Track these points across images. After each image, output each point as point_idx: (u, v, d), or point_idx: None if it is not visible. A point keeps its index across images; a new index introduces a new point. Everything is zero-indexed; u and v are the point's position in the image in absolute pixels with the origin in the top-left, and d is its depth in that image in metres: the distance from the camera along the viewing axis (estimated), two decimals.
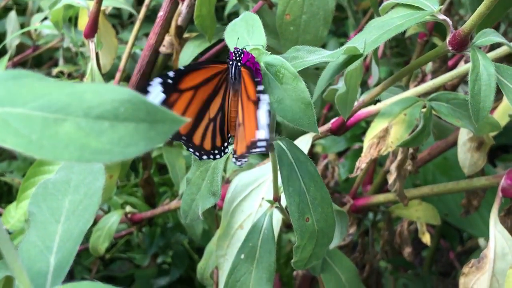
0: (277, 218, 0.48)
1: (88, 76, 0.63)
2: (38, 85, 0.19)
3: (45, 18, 0.92)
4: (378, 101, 0.55)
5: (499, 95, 0.41)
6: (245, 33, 0.38)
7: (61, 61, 1.03)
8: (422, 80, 0.70)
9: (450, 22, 0.40)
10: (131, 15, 1.21)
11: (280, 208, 0.45)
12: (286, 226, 0.58)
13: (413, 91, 0.54)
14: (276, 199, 0.44)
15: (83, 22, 0.69)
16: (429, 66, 0.76)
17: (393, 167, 0.59)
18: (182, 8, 0.68)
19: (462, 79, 0.71)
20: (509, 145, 1.09)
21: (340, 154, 0.99)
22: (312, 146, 0.60)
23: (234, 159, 0.35)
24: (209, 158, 0.37)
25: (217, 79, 0.37)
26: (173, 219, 0.88)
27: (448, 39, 0.41)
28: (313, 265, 0.43)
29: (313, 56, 0.37)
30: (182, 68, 0.35)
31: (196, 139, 0.37)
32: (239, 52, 0.35)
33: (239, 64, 0.35)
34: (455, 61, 0.75)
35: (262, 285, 0.43)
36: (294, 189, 0.37)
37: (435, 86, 0.53)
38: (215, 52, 0.76)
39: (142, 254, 0.89)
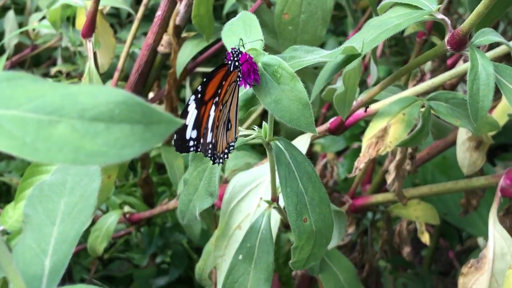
0: (275, 218, 0.48)
1: (86, 76, 0.63)
2: (32, 87, 0.19)
3: (43, 18, 0.91)
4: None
5: (498, 94, 0.41)
6: (243, 33, 0.38)
7: (59, 61, 1.03)
8: (421, 79, 0.70)
9: (449, 22, 0.40)
10: (129, 15, 1.21)
11: (278, 209, 0.44)
12: (285, 226, 0.58)
13: (411, 90, 0.54)
14: (274, 199, 0.44)
15: (81, 21, 0.69)
16: (428, 65, 0.76)
17: (391, 167, 0.59)
18: (180, 7, 0.68)
19: (461, 78, 0.71)
20: (508, 144, 1.09)
21: (339, 154, 0.99)
22: (311, 145, 0.59)
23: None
24: (220, 161, 0.37)
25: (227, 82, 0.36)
26: (172, 219, 0.88)
27: (446, 38, 0.41)
28: (311, 265, 0.43)
29: (311, 55, 0.36)
30: (204, 79, 0.35)
31: (219, 147, 0.36)
32: (236, 53, 0.35)
33: (236, 64, 0.35)
34: (454, 60, 0.74)
35: (260, 285, 0.42)
36: (292, 190, 0.37)
37: (434, 86, 0.53)
38: (213, 52, 0.76)
39: (141, 254, 0.89)
